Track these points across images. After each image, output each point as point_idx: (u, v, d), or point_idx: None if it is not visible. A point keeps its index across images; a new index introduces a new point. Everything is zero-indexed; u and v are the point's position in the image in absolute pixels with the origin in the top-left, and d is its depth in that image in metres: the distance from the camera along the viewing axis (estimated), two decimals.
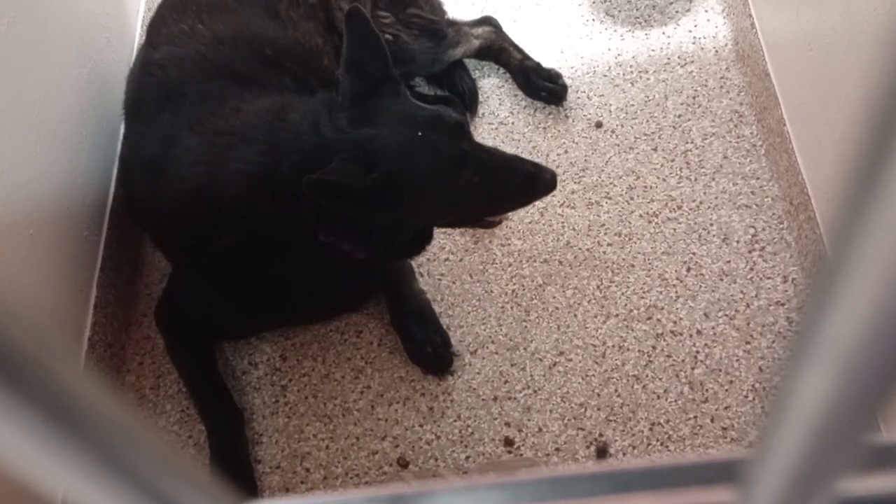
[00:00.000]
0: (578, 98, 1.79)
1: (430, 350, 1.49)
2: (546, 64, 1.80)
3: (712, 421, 1.41)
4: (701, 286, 1.54)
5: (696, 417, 1.42)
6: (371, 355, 1.53)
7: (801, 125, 1.52)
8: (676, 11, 1.89)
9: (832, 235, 0.18)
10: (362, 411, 1.48)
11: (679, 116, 1.74)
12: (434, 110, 1.24)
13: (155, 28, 1.52)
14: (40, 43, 1.41)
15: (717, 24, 1.86)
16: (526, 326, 1.53)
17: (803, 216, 1.49)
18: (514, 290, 1.57)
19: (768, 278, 1.54)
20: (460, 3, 1.90)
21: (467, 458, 1.42)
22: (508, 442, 1.42)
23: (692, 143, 1.71)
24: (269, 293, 1.37)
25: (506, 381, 1.48)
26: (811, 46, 1.44)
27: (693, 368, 1.46)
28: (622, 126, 1.74)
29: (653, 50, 1.84)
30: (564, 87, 1.78)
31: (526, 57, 1.81)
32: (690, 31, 1.86)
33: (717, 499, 0.27)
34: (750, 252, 1.57)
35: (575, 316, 1.53)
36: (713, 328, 1.50)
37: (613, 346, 1.50)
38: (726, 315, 1.51)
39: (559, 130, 1.76)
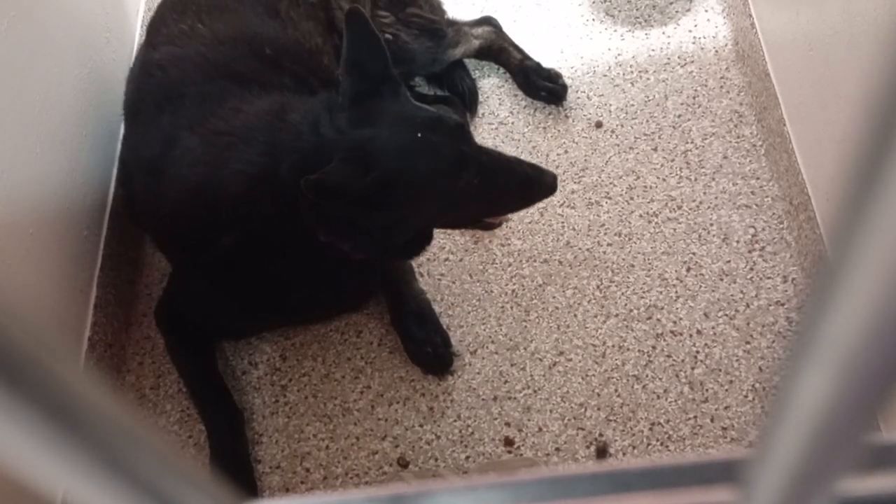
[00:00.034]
0: (578, 98, 1.79)
1: (430, 350, 1.49)
2: (546, 64, 1.80)
3: (712, 421, 1.41)
4: (701, 286, 1.54)
5: (695, 417, 1.42)
6: (371, 355, 1.53)
7: (801, 125, 1.52)
8: (676, 11, 1.89)
9: (832, 235, 0.18)
10: (362, 411, 1.48)
11: (679, 116, 1.74)
12: (434, 112, 1.24)
13: (155, 28, 1.52)
14: (40, 43, 1.41)
15: (717, 24, 1.86)
16: (526, 326, 1.53)
17: (803, 216, 1.49)
18: (513, 290, 1.57)
19: (768, 278, 1.54)
20: (460, 3, 1.90)
21: (467, 457, 1.42)
22: (508, 442, 1.42)
23: (692, 143, 1.71)
24: (269, 293, 1.37)
25: (506, 381, 1.48)
26: (811, 46, 1.44)
27: (693, 368, 1.46)
28: (622, 126, 1.74)
29: (653, 50, 1.84)
30: (564, 87, 1.78)
31: (526, 57, 1.81)
32: (690, 31, 1.86)
33: (717, 499, 0.27)
34: (750, 252, 1.57)
35: (575, 316, 1.53)
36: (713, 328, 1.50)
37: (613, 346, 1.50)
38: (726, 315, 1.51)
39: (559, 130, 1.76)
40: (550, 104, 1.78)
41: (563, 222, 1.64)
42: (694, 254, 1.58)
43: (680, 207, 1.63)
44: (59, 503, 1.19)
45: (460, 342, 1.52)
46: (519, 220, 1.63)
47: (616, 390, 1.45)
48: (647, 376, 1.46)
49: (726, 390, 1.43)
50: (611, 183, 1.67)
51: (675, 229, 1.61)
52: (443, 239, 1.62)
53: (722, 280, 1.54)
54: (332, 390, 1.50)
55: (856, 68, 1.25)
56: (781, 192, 1.61)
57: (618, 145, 1.72)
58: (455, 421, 1.45)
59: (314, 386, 1.51)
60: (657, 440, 1.40)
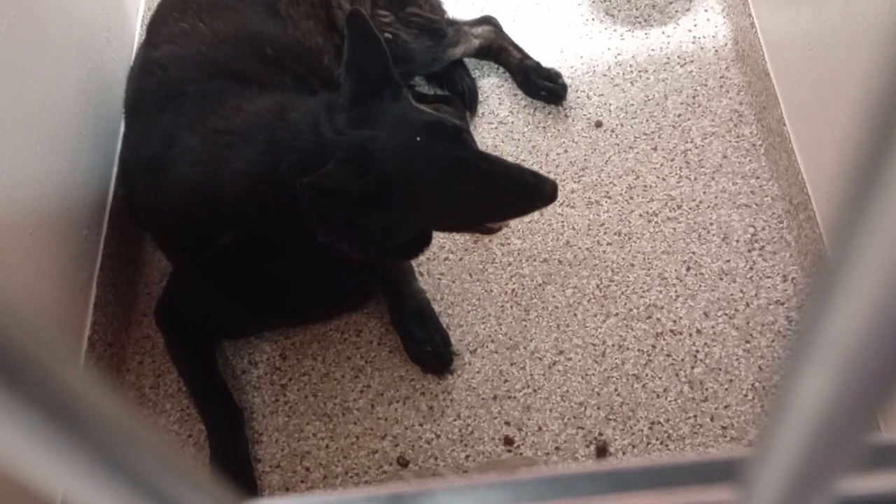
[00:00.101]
0: (578, 97, 1.79)
1: (429, 349, 1.49)
2: (546, 63, 1.80)
3: (712, 420, 1.41)
4: (700, 285, 1.54)
5: (695, 416, 1.42)
6: (371, 354, 1.53)
7: (801, 125, 1.52)
8: (676, 11, 1.89)
9: (832, 235, 0.18)
10: (362, 410, 1.48)
11: (679, 116, 1.74)
12: (435, 116, 1.24)
13: (155, 27, 1.52)
14: (40, 43, 1.41)
15: (716, 24, 1.86)
16: (525, 325, 1.53)
17: (803, 216, 1.49)
18: (513, 290, 1.57)
19: (768, 277, 1.54)
20: (460, 3, 1.90)
21: (467, 457, 1.42)
22: (508, 441, 1.42)
23: (692, 142, 1.71)
24: (269, 292, 1.37)
25: (505, 380, 1.48)
26: (811, 46, 1.44)
27: (693, 367, 1.46)
28: (622, 125, 1.74)
29: (652, 49, 1.84)
30: (564, 87, 1.77)
31: (526, 56, 1.81)
32: (690, 31, 1.86)
33: (717, 498, 0.27)
34: (749, 251, 1.57)
35: (574, 315, 1.53)
36: (713, 327, 1.50)
37: (613, 345, 1.50)
38: (726, 314, 1.51)
39: (559, 130, 1.76)
40: (550, 104, 1.78)
41: (562, 222, 1.64)
42: (694, 253, 1.58)
43: (680, 207, 1.63)
44: (59, 503, 1.19)
45: (460, 341, 1.52)
46: (519, 220, 1.63)
47: (616, 389, 1.45)
48: (646, 375, 1.46)
49: (726, 389, 1.43)
50: (610, 182, 1.67)
51: (674, 228, 1.61)
52: (443, 238, 1.62)
53: (722, 279, 1.54)
54: (331, 389, 1.50)
55: (856, 68, 1.25)
56: (781, 192, 1.61)
57: (617, 145, 1.72)
58: (455, 420, 1.45)
59: (314, 385, 1.51)
60: (657, 439, 1.40)
